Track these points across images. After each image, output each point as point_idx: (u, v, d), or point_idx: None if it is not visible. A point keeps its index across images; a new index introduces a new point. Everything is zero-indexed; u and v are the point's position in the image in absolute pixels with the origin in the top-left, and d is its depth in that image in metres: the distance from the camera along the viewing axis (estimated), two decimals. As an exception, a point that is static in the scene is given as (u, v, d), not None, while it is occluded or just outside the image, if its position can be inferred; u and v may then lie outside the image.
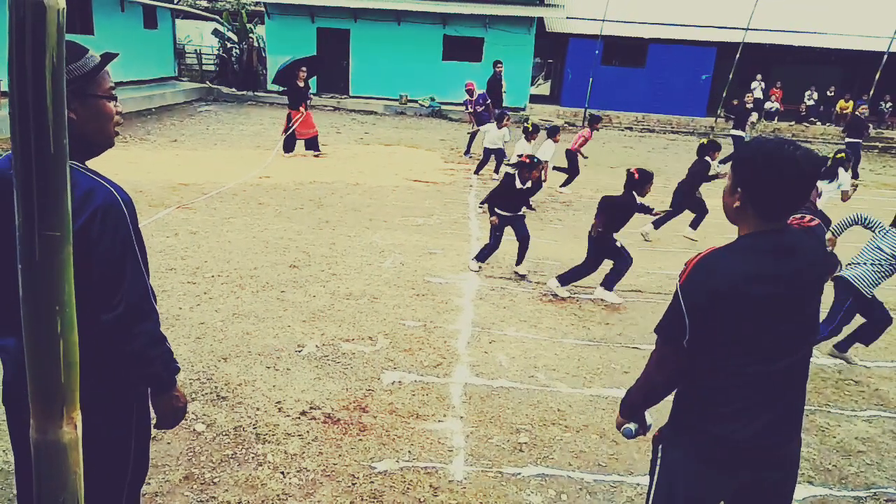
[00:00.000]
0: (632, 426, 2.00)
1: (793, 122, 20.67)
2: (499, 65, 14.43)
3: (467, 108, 13.44)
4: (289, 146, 11.55)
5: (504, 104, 14.46)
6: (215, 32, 23.43)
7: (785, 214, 1.72)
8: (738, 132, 14.30)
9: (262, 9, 21.98)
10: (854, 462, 3.48)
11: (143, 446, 1.96)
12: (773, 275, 1.67)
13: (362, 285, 5.59)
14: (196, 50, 24.64)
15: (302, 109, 11.37)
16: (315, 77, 12.34)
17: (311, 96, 12.12)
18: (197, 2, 24.47)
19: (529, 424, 3.65)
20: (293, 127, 11.38)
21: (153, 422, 1.98)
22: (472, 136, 13.25)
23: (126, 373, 1.80)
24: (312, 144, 11.76)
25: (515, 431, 3.56)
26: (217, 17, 23.99)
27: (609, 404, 3.92)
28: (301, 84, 11.45)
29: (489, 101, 13.21)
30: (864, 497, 3.22)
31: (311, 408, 3.64)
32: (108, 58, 1.72)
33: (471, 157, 12.94)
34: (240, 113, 17.62)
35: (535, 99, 22.11)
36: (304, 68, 11.53)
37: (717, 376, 1.74)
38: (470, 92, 13.26)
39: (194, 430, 3.34)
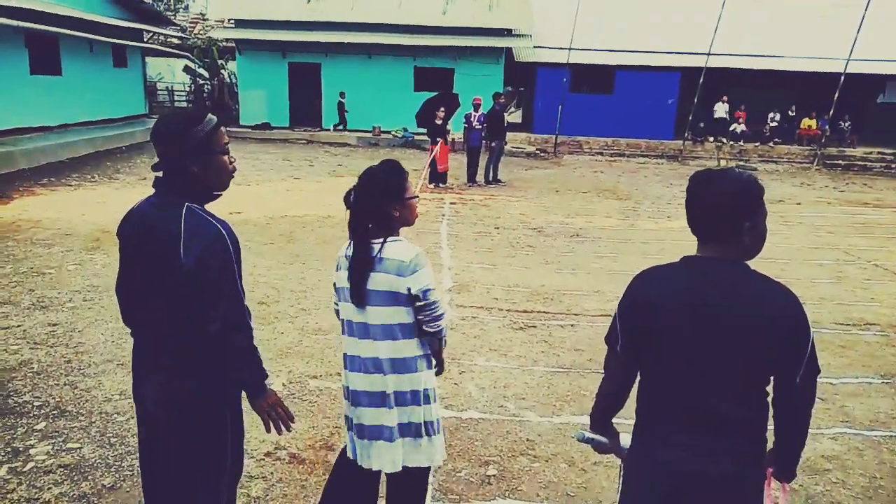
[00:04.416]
0: (586, 433, 2.05)
1: (758, 143, 21.18)
2: (500, 97, 13.97)
3: (468, 121, 13.41)
4: (434, 178, 12.78)
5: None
6: (186, 69, 23.50)
7: (703, 238, 1.74)
8: None
9: (234, 45, 22.13)
10: (820, 481, 3.50)
11: (238, 443, 2.29)
12: (688, 298, 1.68)
13: (332, 319, 5.53)
14: (168, 87, 24.64)
15: (440, 143, 12.53)
16: (452, 115, 13.40)
17: (449, 131, 13.35)
18: (168, 39, 24.52)
19: (498, 456, 3.62)
20: (431, 157, 12.68)
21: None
22: (473, 159, 13.39)
23: (221, 376, 2.12)
24: (442, 178, 12.85)
25: (484, 464, 3.53)
26: (188, 53, 24.07)
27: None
28: (439, 122, 12.74)
29: (486, 123, 13.38)
30: (831, 516, 3.23)
31: (276, 448, 3.58)
32: (222, 119, 2.09)
33: (477, 184, 13.25)
34: (212, 148, 17.55)
35: (507, 127, 22.38)
36: (442, 108, 12.85)
37: (647, 395, 1.83)
38: (476, 107, 13.40)
39: (154, 476, 3.25)
